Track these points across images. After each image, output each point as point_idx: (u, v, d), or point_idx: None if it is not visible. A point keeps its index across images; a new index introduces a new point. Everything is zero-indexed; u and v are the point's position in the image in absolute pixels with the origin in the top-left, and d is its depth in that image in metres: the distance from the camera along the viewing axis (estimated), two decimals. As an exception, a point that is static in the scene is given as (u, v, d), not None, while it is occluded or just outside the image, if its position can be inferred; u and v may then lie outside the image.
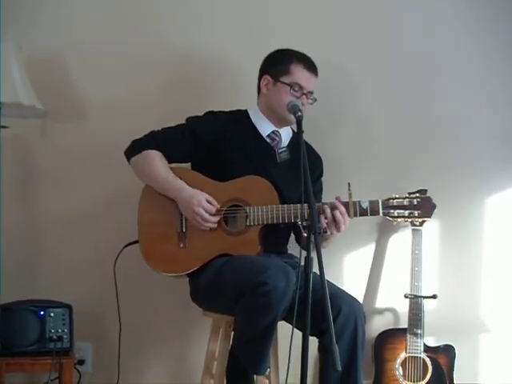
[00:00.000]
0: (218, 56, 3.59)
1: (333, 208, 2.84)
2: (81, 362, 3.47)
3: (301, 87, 3.04)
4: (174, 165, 3.07)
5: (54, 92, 3.54)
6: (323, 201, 2.97)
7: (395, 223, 3.00)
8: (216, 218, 2.92)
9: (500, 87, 3.69)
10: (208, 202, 2.91)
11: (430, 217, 2.93)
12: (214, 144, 3.05)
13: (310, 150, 3.22)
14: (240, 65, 3.55)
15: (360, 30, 3.65)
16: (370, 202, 2.90)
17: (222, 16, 3.63)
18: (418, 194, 2.93)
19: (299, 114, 2.71)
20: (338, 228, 2.85)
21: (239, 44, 3.59)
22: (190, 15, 3.62)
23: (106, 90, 3.58)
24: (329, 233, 2.84)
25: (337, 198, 2.87)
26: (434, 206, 2.92)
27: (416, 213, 2.90)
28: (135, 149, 3.05)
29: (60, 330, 3.18)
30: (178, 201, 2.96)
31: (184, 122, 3.14)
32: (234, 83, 3.58)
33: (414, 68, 3.66)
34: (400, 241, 3.61)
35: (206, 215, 2.90)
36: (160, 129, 3.09)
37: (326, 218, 2.83)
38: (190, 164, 3.16)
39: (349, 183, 2.83)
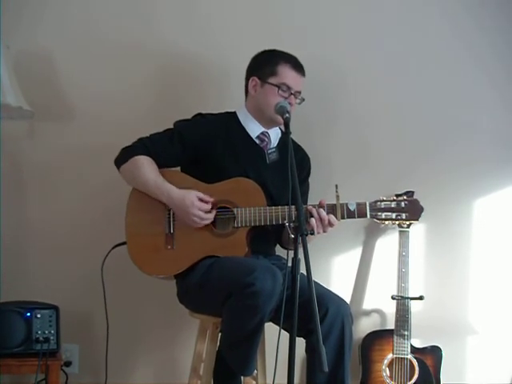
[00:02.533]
0: (211, 56, 3.59)
1: (320, 209, 2.85)
2: (68, 364, 3.44)
3: (288, 87, 3.06)
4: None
5: (41, 91, 3.52)
6: (312, 202, 2.97)
7: (382, 226, 3.02)
8: (212, 214, 2.92)
9: (492, 89, 3.69)
10: (200, 199, 2.91)
11: (417, 219, 2.96)
12: (203, 147, 3.05)
13: (298, 148, 3.23)
14: (231, 64, 3.53)
15: (353, 29, 3.65)
16: (358, 205, 2.91)
17: (216, 15, 3.62)
18: (405, 197, 2.96)
19: (287, 115, 2.72)
20: (325, 229, 2.86)
21: (232, 43, 3.58)
22: (183, 15, 3.61)
23: (95, 89, 3.57)
24: (316, 234, 2.85)
25: (321, 201, 2.89)
26: (421, 209, 2.94)
27: (403, 215, 2.92)
28: (124, 156, 3.05)
29: (47, 332, 3.16)
30: (170, 205, 2.96)
31: (172, 125, 3.14)
32: (227, 83, 3.57)
33: (406, 70, 3.66)
34: (387, 242, 3.61)
35: (203, 214, 2.90)
36: (148, 135, 3.09)
37: (316, 219, 2.85)
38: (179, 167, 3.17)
39: (336, 185, 2.85)
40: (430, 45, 3.66)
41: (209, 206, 2.92)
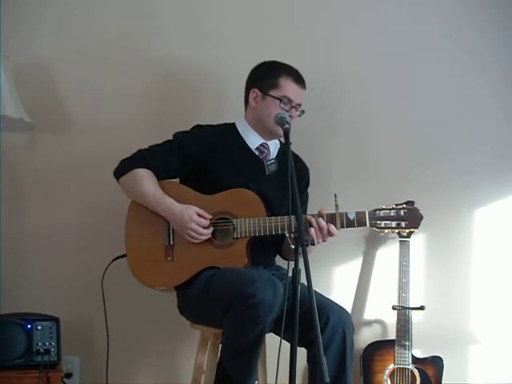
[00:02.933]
0: (209, 66, 3.61)
1: (319, 219, 2.86)
2: (68, 376, 3.43)
3: (290, 100, 3.07)
4: (162, 179, 3.08)
5: (40, 102, 3.53)
6: (311, 212, 2.97)
7: (382, 234, 3.05)
8: (209, 230, 2.93)
9: (493, 97, 3.69)
10: (199, 215, 2.92)
11: (417, 227, 2.97)
12: (202, 158, 3.06)
13: (297, 159, 3.24)
14: (230, 74, 3.54)
15: (351, 39, 3.66)
16: (357, 214, 2.92)
17: (215, 26, 3.64)
18: (404, 205, 2.96)
19: (287, 126, 2.74)
20: (324, 238, 2.87)
21: (231, 54, 3.59)
22: (182, 26, 3.63)
23: (94, 99, 3.59)
24: (316, 243, 2.85)
25: (320, 211, 2.90)
26: (420, 217, 2.96)
27: (403, 223, 2.94)
28: (124, 168, 3.05)
29: (47, 343, 3.15)
30: (169, 219, 2.96)
31: (171, 135, 3.15)
32: (225, 93, 3.58)
33: (405, 79, 3.67)
34: (388, 252, 3.61)
35: (200, 229, 2.90)
36: (147, 147, 3.09)
37: (313, 227, 2.85)
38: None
39: (335, 194, 2.86)
40: (430, 55, 3.66)
41: (207, 222, 2.92)
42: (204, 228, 2.91)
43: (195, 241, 2.92)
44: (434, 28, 3.68)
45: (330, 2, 3.67)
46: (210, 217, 2.94)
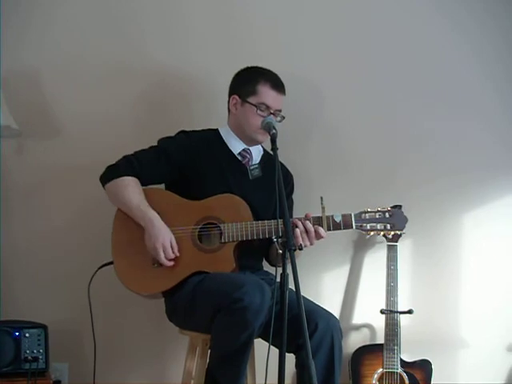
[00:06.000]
0: (197, 73, 3.62)
1: (306, 222, 2.87)
2: (57, 383, 3.42)
3: (268, 107, 3.08)
4: (147, 185, 3.09)
5: (28, 110, 3.54)
6: (295, 216, 2.98)
7: (368, 237, 3.05)
8: (170, 263, 2.92)
9: (482, 97, 3.69)
10: (171, 246, 2.92)
11: (402, 229, 3.01)
12: (186, 163, 3.06)
13: (282, 167, 3.24)
14: (220, 81, 3.51)
15: (329, 44, 3.67)
16: (343, 216, 2.94)
17: (200, 34, 3.64)
18: (389, 208, 2.98)
19: (273, 131, 2.74)
20: (311, 241, 2.88)
21: (217, 61, 3.60)
22: (169, 34, 3.64)
23: (81, 107, 3.59)
24: (303, 246, 2.86)
25: (307, 214, 2.91)
26: (405, 220, 3.00)
27: (388, 226, 2.97)
28: (109, 175, 3.05)
29: (35, 351, 3.15)
30: (146, 230, 2.94)
31: (157, 142, 3.15)
32: (214, 100, 3.56)
33: (382, 81, 3.66)
34: (376, 257, 3.61)
35: (162, 256, 2.90)
36: (133, 152, 3.09)
37: (302, 231, 2.86)
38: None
39: (321, 197, 2.87)
40: (409, 53, 3.67)
41: (172, 256, 2.91)
42: (167, 259, 2.92)
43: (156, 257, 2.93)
44: (414, 33, 3.69)
45: (309, 8, 3.67)
46: (177, 254, 2.93)
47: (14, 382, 3.10)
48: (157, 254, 2.90)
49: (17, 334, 3.14)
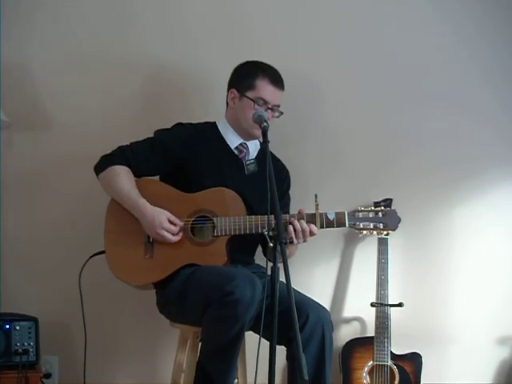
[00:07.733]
0: (194, 67, 3.61)
1: (301, 221, 2.87)
2: (47, 376, 3.41)
3: (265, 102, 3.06)
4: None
5: (19, 102, 3.52)
6: (290, 212, 2.98)
7: (361, 235, 3.06)
8: (178, 237, 2.92)
9: (475, 95, 3.70)
10: (170, 221, 2.91)
11: (394, 229, 3.04)
12: (182, 156, 3.05)
13: (277, 162, 3.26)
14: (215, 75, 3.51)
15: (328, 41, 3.67)
16: (337, 214, 2.94)
17: (198, 28, 3.64)
18: (383, 207, 3.01)
19: (265, 124, 2.72)
20: (305, 239, 2.88)
21: (215, 55, 3.60)
22: (166, 28, 3.62)
23: (74, 99, 3.57)
24: (295, 242, 2.86)
25: (300, 210, 2.91)
26: (398, 220, 3.01)
27: (381, 225, 2.98)
28: (102, 165, 3.04)
29: (26, 344, 3.14)
30: (140, 220, 2.95)
31: (153, 133, 3.15)
32: (212, 94, 3.55)
33: (380, 79, 3.68)
34: (366, 250, 3.62)
35: (169, 236, 2.90)
36: (128, 143, 3.09)
37: (294, 229, 2.85)
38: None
39: (315, 195, 2.87)
40: (405, 53, 3.69)
41: (177, 229, 2.92)
42: (174, 234, 2.92)
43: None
44: (410, 33, 3.70)
45: (309, 5, 3.67)
46: (182, 224, 2.93)
47: (5, 374, 3.10)
48: (163, 239, 2.90)
49: (7, 326, 3.13)
